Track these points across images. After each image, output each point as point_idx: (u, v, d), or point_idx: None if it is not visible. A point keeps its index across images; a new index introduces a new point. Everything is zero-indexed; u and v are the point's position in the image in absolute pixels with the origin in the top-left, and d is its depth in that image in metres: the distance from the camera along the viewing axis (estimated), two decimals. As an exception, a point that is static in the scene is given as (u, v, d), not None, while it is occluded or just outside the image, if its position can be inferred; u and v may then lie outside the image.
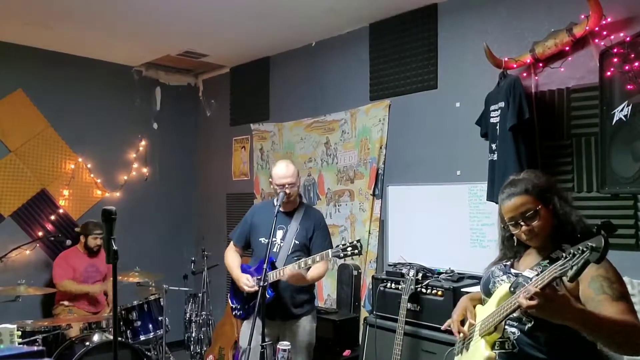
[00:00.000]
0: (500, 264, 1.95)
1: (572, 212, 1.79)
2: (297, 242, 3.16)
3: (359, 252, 2.86)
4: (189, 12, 4.06)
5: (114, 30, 4.54)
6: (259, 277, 2.98)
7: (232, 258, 3.31)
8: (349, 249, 2.85)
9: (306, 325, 3.18)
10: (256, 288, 2.96)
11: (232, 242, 3.39)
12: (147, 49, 5.12)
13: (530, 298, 1.50)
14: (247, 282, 3.07)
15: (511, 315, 1.72)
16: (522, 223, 1.77)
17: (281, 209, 3.19)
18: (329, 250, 2.91)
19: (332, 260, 3.81)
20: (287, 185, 3.10)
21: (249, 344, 2.76)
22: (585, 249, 1.43)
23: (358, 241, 2.87)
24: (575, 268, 1.43)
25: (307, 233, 3.19)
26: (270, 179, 3.28)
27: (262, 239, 3.14)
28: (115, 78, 5.51)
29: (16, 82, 4.89)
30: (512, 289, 1.71)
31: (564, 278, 1.47)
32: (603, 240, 1.40)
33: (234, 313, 3.29)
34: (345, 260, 3.25)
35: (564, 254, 1.49)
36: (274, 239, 3.13)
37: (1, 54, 4.79)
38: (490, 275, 1.93)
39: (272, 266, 3.07)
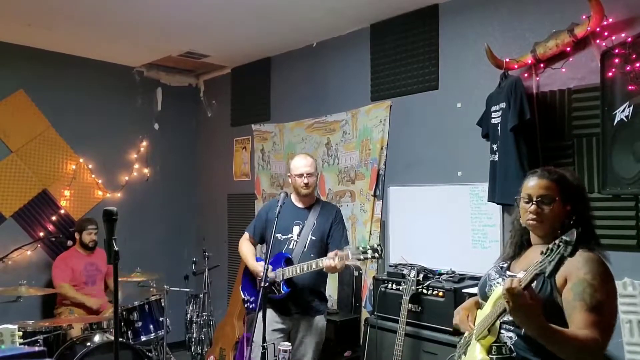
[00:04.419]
0: (497, 265, 1.95)
1: (587, 220, 1.79)
2: (314, 238, 3.18)
3: (380, 256, 2.89)
4: (190, 12, 4.06)
5: (115, 31, 4.54)
6: (276, 271, 3.05)
7: (247, 248, 3.35)
8: (369, 252, 2.87)
9: (319, 322, 3.22)
10: (276, 279, 3.05)
11: (246, 234, 3.42)
12: (148, 50, 5.12)
13: (510, 290, 1.52)
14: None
15: (508, 320, 1.72)
16: (534, 202, 1.78)
17: (298, 204, 3.26)
18: (349, 252, 2.92)
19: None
20: (305, 175, 3.16)
21: (263, 341, 2.76)
22: (560, 244, 1.45)
23: (379, 245, 2.90)
24: (552, 263, 1.45)
25: (324, 228, 3.21)
26: (288, 174, 3.33)
27: (279, 235, 3.19)
28: (116, 79, 5.52)
29: (17, 83, 4.90)
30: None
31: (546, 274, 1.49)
32: (575, 233, 1.42)
33: (245, 305, 3.33)
34: (364, 261, 3.28)
35: (543, 250, 1.51)
36: (290, 235, 3.20)
37: (2, 54, 4.80)
38: (487, 278, 1.93)
39: (288, 262, 3.11)
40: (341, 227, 3.27)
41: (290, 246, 3.18)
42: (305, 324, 3.18)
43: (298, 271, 3.02)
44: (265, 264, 2.89)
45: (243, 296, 3.33)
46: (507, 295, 1.53)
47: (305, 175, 3.16)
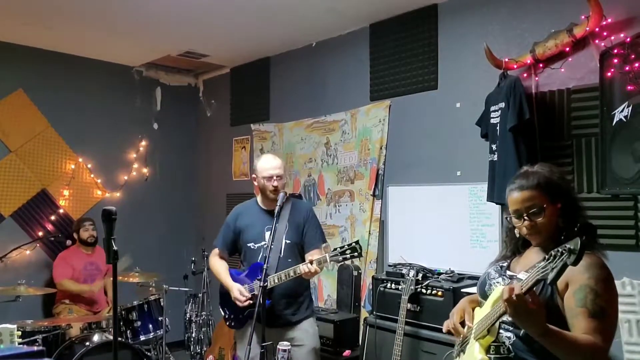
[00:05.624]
0: (497, 264, 1.94)
1: (579, 214, 1.76)
2: (288, 241, 2.92)
3: (359, 254, 2.69)
4: (189, 12, 4.06)
5: (114, 30, 4.54)
6: (253, 284, 2.83)
7: (219, 264, 3.06)
8: (348, 252, 2.67)
9: (309, 328, 2.98)
10: (250, 301, 2.80)
11: (215, 249, 3.13)
12: (148, 49, 5.12)
13: (510, 297, 1.51)
14: (240, 296, 2.82)
15: (507, 320, 1.71)
16: (525, 217, 1.74)
17: (266, 208, 3.00)
18: (327, 255, 2.71)
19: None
20: (275, 178, 2.89)
21: (249, 344, 2.63)
22: (563, 251, 1.42)
23: (357, 242, 2.70)
24: (555, 270, 1.43)
25: (297, 229, 2.95)
26: (253, 175, 3.03)
27: (251, 244, 2.95)
28: (115, 78, 5.52)
29: (16, 83, 4.90)
30: None
31: (547, 280, 1.47)
32: (579, 242, 1.39)
33: (227, 323, 3.06)
34: (345, 262, 3.09)
35: (546, 256, 1.49)
36: (263, 243, 2.92)
37: (1, 54, 4.80)
38: (486, 277, 1.92)
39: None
40: (314, 225, 3.00)
41: (265, 254, 2.82)
42: (292, 334, 2.92)
43: (276, 281, 2.76)
44: (264, 265, 2.70)
45: (223, 313, 3.05)
46: (507, 304, 1.52)
47: (274, 177, 2.89)
